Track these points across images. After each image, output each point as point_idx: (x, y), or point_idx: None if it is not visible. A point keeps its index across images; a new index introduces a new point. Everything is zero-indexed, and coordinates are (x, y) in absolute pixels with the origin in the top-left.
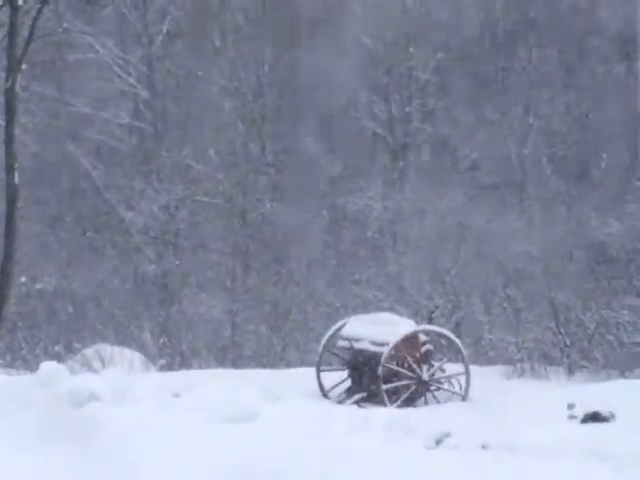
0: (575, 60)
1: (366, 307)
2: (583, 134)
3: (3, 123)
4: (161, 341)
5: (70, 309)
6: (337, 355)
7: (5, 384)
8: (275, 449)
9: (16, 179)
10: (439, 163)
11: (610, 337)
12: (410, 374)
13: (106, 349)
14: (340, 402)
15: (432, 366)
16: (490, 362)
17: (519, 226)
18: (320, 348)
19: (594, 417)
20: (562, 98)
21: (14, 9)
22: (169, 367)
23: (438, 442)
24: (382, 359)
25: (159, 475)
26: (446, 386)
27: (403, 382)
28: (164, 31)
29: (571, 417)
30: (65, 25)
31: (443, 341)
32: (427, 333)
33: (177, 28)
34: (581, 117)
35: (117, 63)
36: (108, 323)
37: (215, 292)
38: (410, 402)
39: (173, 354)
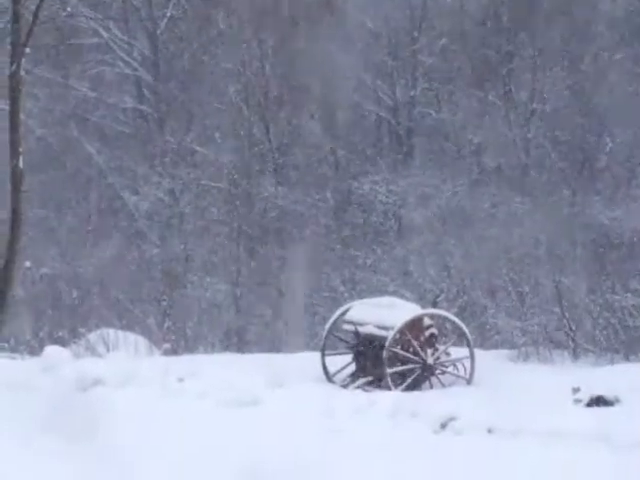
0: (579, 44)
1: (371, 291)
2: (587, 118)
3: (7, 107)
4: (165, 325)
5: (74, 294)
6: (342, 339)
7: (10, 368)
8: (280, 433)
9: (21, 163)
10: (443, 147)
11: (614, 321)
12: (415, 358)
13: (110, 334)
14: (345, 386)
15: (437, 350)
16: (495, 346)
17: (523, 210)
18: (324, 332)
19: (599, 401)
20: (566, 82)
21: None
22: (173, 352)
23: (443, 426)
24: (387, 343)
25: (163, 458)
26: (451, 370)
27: (408, 366)
28: (168, 15)
29: (576, 401)
30: (69, 9)
31: (448, 325)
32: (432, 317)
33: (181, 12)
34: (585, 101)
35: (121, 47)
36: (112, 307)
37: (219, 276)
38: (415, 386)
39: (177, 338)
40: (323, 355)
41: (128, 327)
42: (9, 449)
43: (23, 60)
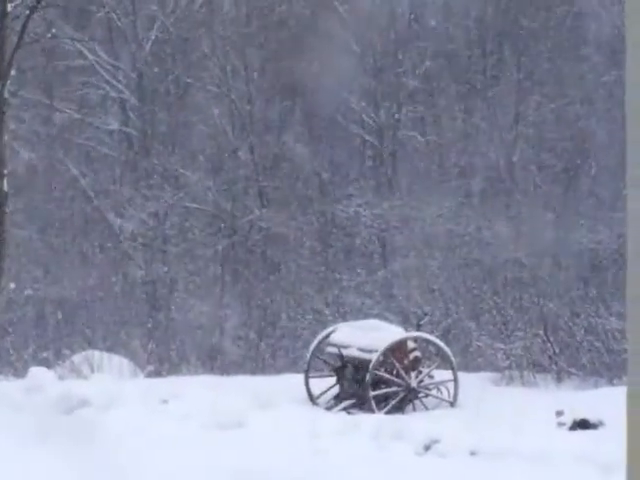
0: (565, 68)
1: (355, 314)
2: (572, 142)
3: None
4: (149, 347)
5: (59, 315)
6: (325, 362)
7: None
8: (264, 455)
9: (5, 186)
10: (428, 170)
11: (598, 344)
12: (398, 381)
13: (95, 355)
14: (329, 408)
15: (420, 373)
16: (479, 369)
17: (508, 233)
18: (308, 355)
19: (582, 424)
20: (551, 106)
21: (3, 14)
22: (157, 373)
23: (427, 448)
24: (370, 366)
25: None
26: (434, 393)
27: (391, 389)
28: (153, 37)
29: (560, 424)
30: (53, 31)
31: (431, 348)
32: (415, 340)
33: (166, 34)
34: (570, 125)
35: (106, 69)
36: (97, 329)
37: (203, 298)
38: (399, 409)
39: (161, 360)
40: (307, 377)
41: (112, 349)
42: None
43: (8, 82)
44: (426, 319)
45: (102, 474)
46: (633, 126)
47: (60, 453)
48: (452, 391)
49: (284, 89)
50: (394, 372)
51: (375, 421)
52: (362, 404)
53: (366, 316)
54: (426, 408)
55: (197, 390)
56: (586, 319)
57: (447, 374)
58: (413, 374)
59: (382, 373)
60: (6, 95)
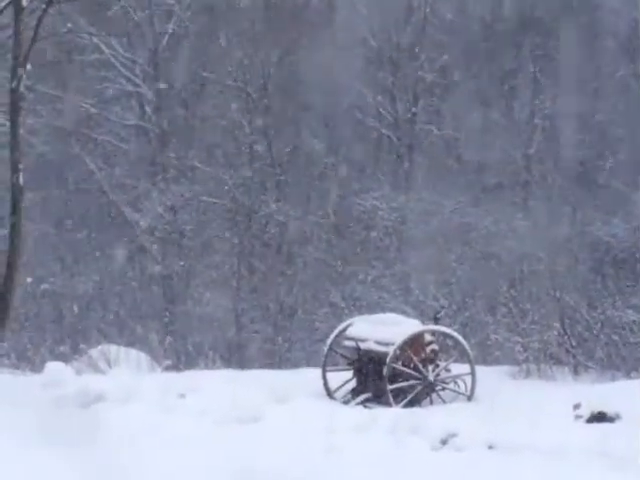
0: (581, 61)
1: (372, 308)
2: (588, 135)
3: (8, 124)
4: (167, 341)
5: (76, 309)
6: (343, 355)
7: (11, 384)
8: (281, 450)
9: (21, 180)
10: (445, 164)
11: (615, 337)
12: (416, 374)
13: (112, 350)
14: (346, 402)
15: (438, 366)
16: (496, 362)
17: (524, 227)
18: (325, 348)
19: (600, 417)
20: (567, 99)
21: (19, 9)
22: (174, 367)
23: (444, 442)
24: (387, 359)
25: (164, 475)
26: (452, 386)
27: (409, 382)
28: (170, 31)
29: (577, 417)
30: (69, 25)
31: (449, 341)
32: (433, 333)
33: (183, 28)
34: (586, 118)
35: (123, 63)
36: (114, 323)
37: (220, 292)
38: (415, 402)
39: (178, 354)
40: (324, 371)
41: (129, 343)
42: (9, 464)
43: (24, 76)
44: (443, 312)
45: (116, 468)
46: None
47: (73, 448)
48: (469, 384)
49: (301, 83)
50: (411, 365)
51: (392, 415)
52: (379, 398)
53: (383, 309)
54: (443, 401)
55: (214, 384)
56: (603, 312)
57: (464, 367)
58: (430, 367)
59: (399, 366)
60: (22, 89)
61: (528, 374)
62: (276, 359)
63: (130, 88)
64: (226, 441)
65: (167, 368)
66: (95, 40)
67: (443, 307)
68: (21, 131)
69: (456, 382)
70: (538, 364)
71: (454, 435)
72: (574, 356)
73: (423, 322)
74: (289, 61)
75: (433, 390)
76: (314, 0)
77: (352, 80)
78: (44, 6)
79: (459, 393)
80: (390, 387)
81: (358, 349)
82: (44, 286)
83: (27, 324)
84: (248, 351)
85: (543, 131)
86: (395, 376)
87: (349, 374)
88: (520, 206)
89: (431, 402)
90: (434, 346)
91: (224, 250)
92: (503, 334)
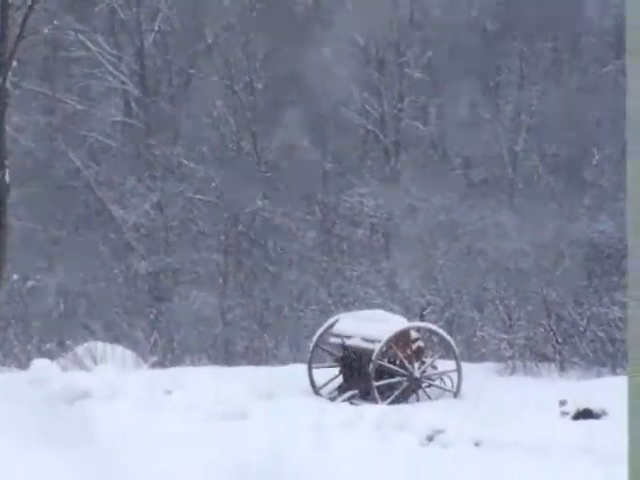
0: (567, 58)
1: (358, 304)
2: (575, 131)
3: None
4: (152, 338)
5: (61, 306)
6: (329, 352)
7: None
8: (267, 446)
9: (7, 177)
10: (431, 161)
11: (601, 334)
12: (402, 371)
13: (98, 346)
14: (332, 399)
15: (424, 363)
16: (482, 359)
17: (511, 223)
18: (311, 345)
19: (586, 414)
20: (554, 95)
21: (5, 5)
22: (160, 364)
23: (430, 439)
24: (374, 356)
25: (151, 473)
26: (438, 383)
27: (395, 379)
28: (156, 28)
29: (563, 414)
30: (55, 22)
31: (435, 338)
32: (419, 330)
33: (169, 25)
34: (573, 114)
35: (109, 60)
36: (100, 320)
37: (207, 289)
38: (402, 399)
39: (165, 351)
40: (310, 368)
41: (115, 340)
42: (4, 464)
43: (9, 73)
44: (429, 309)
45: (103, 468)
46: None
47: (59, 444)
48: (455, 381)
49: (287, 80)
50: (397, 362)
51: (378, 412)
52: (365, 394)
53: (369, 306)
54: (429, 398)
55: (200, 381)
56: (589, 309)
57: (450, 364)
58: (416, 364)
59: (385, 363)
60: (8, 86)
61: (514, 371)
62: (263, 356)
63: (116, 85)
64: (217, 438)
65: (153, 365)
66: (81, 37)
67: (429, 304)
68: (7, 128)
69: (442, 379)
70: (524, 361)
71: (440, 431)
72: (560, 352)
73: (409, 319)
74: (275, 58)
75: (419, 387)
76: None
77: (338, 76)
78: (30, 3)
79: (445, 390)
80: (376, 384)
81: (344, 346)
82: (30, 283)
83: (13, 321)
84: (234, 348)
85: (529, 127)
86: (381, 373)
87: (335, 371)
88: (506, 202)
89: (417, 399)
90: (420, 343)
91: (210, 247)
92: (489, 331)
